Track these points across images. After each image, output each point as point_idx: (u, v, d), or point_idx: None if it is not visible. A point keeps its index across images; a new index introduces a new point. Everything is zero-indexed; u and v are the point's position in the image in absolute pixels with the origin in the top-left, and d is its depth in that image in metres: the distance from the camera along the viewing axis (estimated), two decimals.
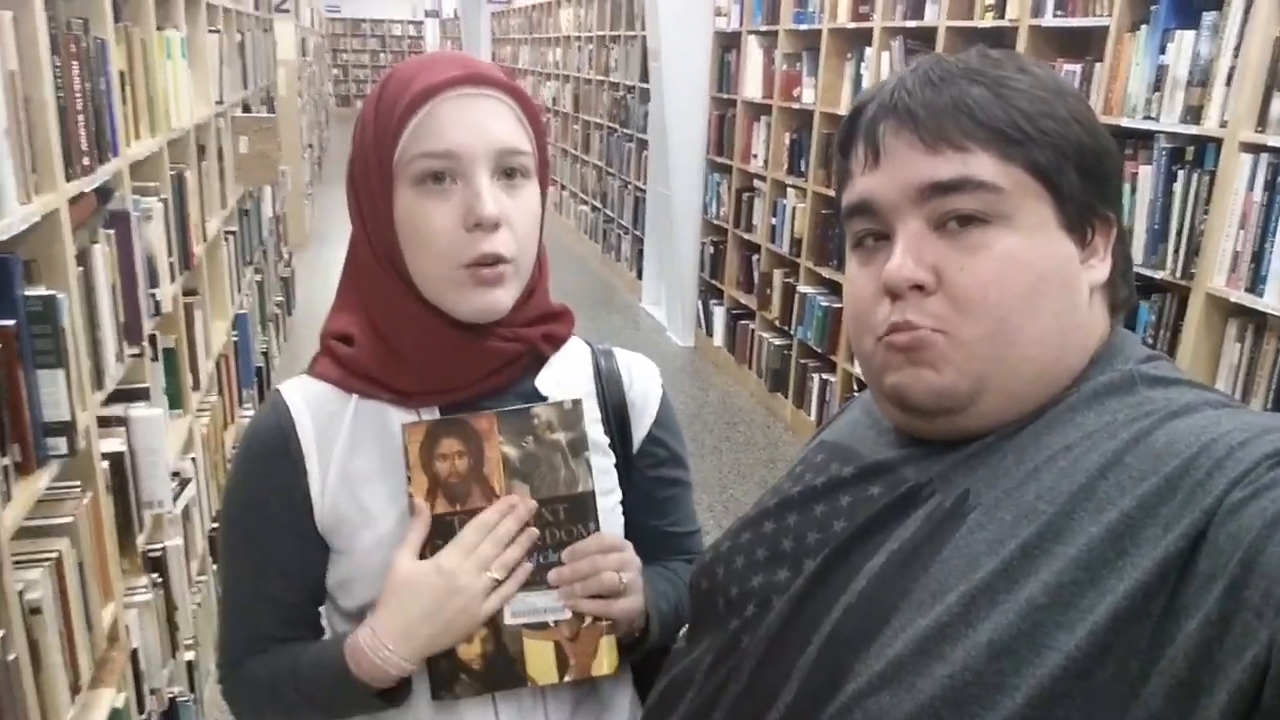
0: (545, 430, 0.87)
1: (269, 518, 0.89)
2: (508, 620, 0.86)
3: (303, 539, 0.89)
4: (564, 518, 0.87)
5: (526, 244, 0.87)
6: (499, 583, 0.85)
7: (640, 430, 0.99)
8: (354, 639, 0.85)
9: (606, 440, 0.95)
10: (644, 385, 1.00)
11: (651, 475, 1.00)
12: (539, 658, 0.86)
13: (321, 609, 0.95)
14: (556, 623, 0.86)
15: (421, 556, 0.86)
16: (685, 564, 1.02)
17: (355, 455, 0.89)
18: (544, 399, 0.92)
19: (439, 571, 0.84)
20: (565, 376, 0.95)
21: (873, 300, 0.67)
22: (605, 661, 0.87)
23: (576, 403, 0.88)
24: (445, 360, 0.89)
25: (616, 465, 0.96)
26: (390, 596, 0.85)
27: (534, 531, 0.86)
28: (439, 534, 0.86)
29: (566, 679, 0.87)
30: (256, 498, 0.90)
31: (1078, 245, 0.66)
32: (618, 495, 0.95)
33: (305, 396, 0.91)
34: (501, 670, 0.86)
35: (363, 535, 0.88)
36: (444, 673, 0.86)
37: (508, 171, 0.85)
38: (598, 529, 0.87)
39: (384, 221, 0.86)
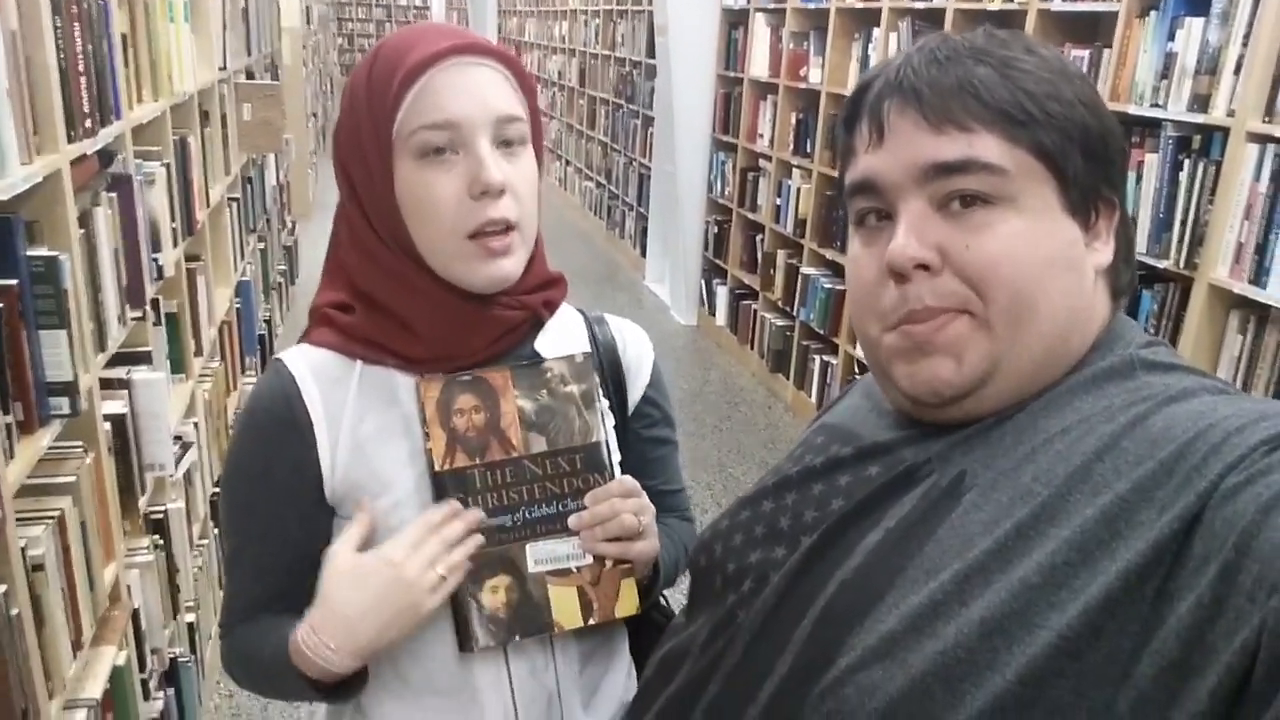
0: (558, 383, 0.90)
1: (275, 486, 0.89)
2: (531, 568, 0.88)
3: (309, 507, 0.89)
4: (580, 466, 0.90)
5: (529, 210, 0.88)
6: (443, 580, 0.83)
7: (636, 392, 1.02)
8: (294, 637, 0.84)
9: (606, 403, 0.97)
10: (637, 349, 1.03)
11: (646, 436, 1.03)
12: (564, 603, 0.89)
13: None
14: (579, 569, 0.89)
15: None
16: (678, 519, 1.06)
17: (364, 419, 0.89)
18: (543, 361, 0.94)
19: (387, 563, 0.83)
20: (562, 340, 0.97)
21: (876, 283, 0.67)
22: (627, 603, 0.91)
23: (586, 355, 0.92)
24: (453, 330, 0.89)
25: (615, 427, 0.98)
26: (331, 589, 0.83)
27: (478, 538, 0.87)
28: (459, 488, 0.87)
29: (591, 622, 0.90)
30: (262, 466, 0.89)
31: (1082, 228, 0.66)
32: (617, 456, 0.97)
33: (309, 363, 0.90)
34: (528, 617, 0.88)
35: (380, 500, 0.88)
36: (470, 624, 0.87)
37: (506, 139, 0.86)
38: (612, 476, 0.90)
39: (383, 195, 0.86)
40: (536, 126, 0.90)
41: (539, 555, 0.89)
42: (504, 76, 0.87)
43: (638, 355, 1.02)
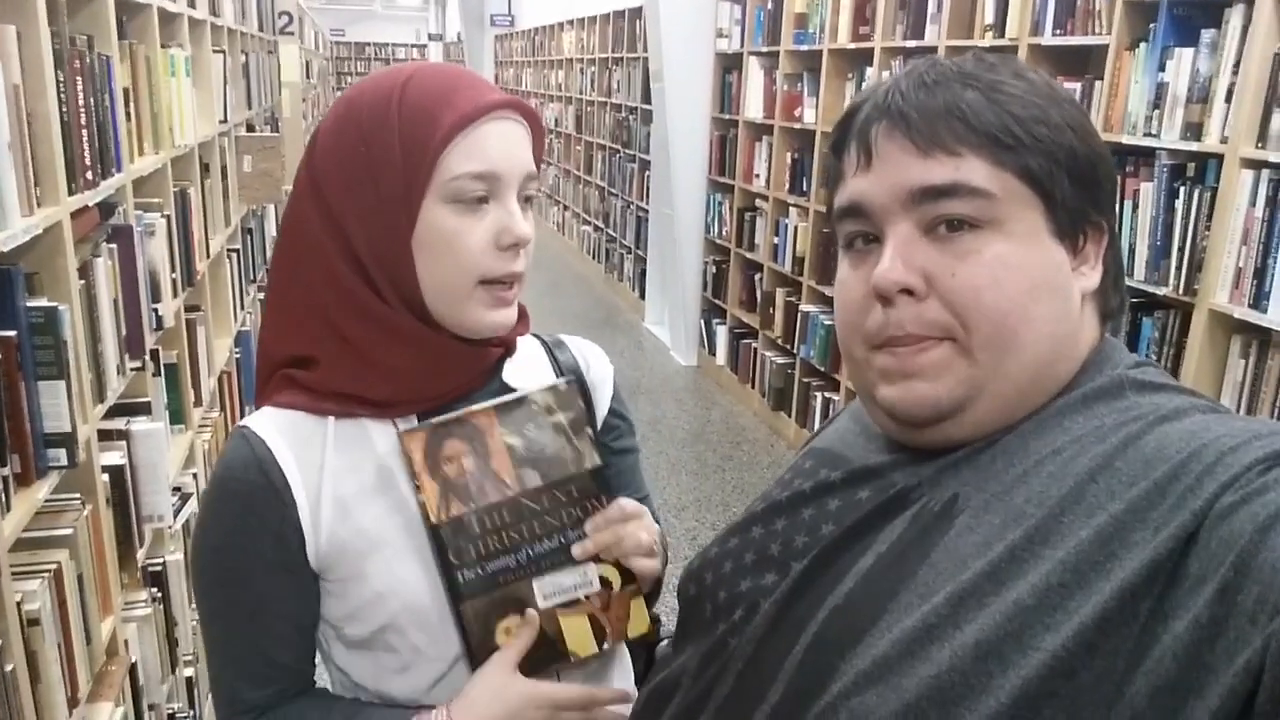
0: (544, 414, 0.88)
1: (259, 558, 0.84)
2: (540, 604, 0.87)
3: (293, 574, 0.85)
4: (577, 495, 0.88)
5: (528, 262, 0.90)
6: None
7: (602, 408, 1.03)
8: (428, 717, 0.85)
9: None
10: (599, 367, 1.04)
11: (616, 448, 1.03)
12: (577, 632, 0.88)
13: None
14: (588, 596, 0.88)
15: (446, 565, 0.84)
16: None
17: (344, 479, 0.85)
18: (513, 390, 0.92)
19: (549, 707, 0.86)
20: (527, 366, 0.97)
21: (863, 304, 0.67)
22: (639, 623, 0.90)
23: (570, 383, 0.90)
24: (436, 370, 0.88)
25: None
26: (485, 701, 0.84)
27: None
28: (459, 535, 0.85)
29: (605, 646, 0.89)
30: (240, 538, 0.84)
31: (1070, 252, 0.66)
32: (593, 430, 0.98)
33: (277, 426, 0.86)
34: (543, 653, 0.87)
35: (371, 559, 0.85)
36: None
37: (526, 196, 0.87)
38: (611, 499, 0.89)
39: (395, 232, 0.83)
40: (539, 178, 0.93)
41: (546, 590, 0.87)
42: (527, 134, 0.88)
43: (600, 372, 1.04)
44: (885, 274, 0.64)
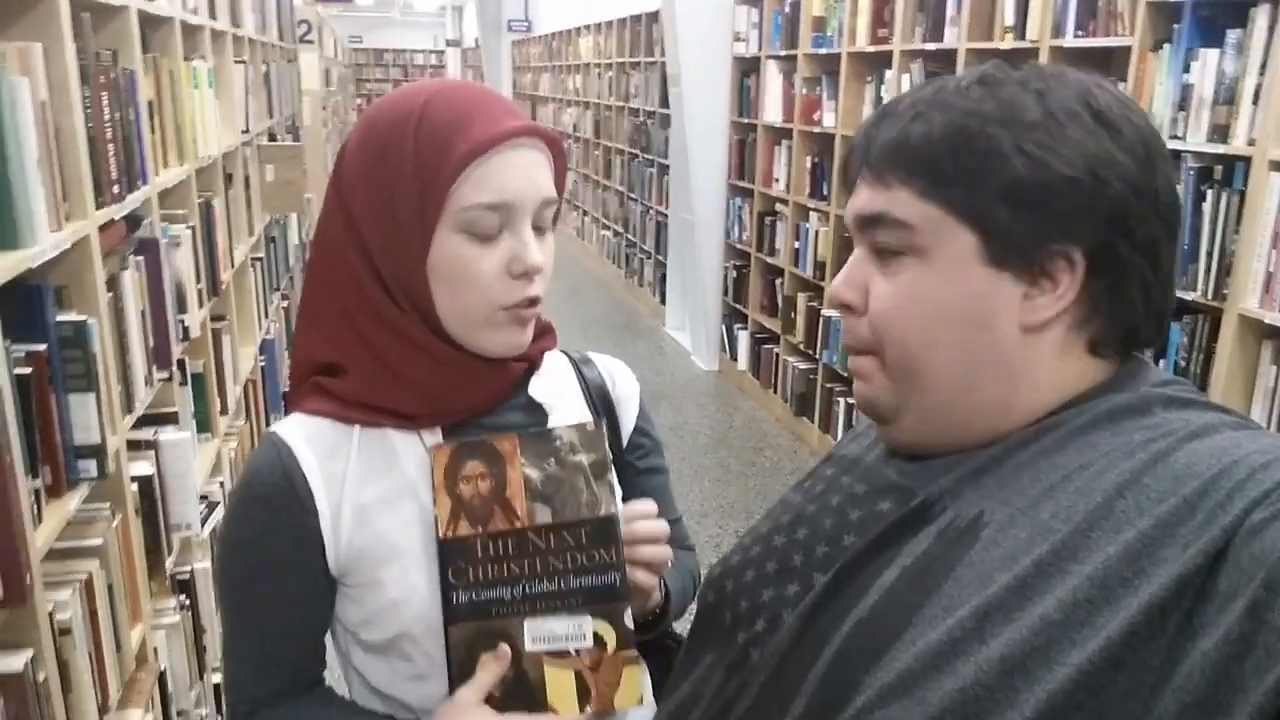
0: (567, 452, 0.86)
1: (277, 560, 0.87)
2: (528, 646, 0.85)
3: (312, 580, 0.88)
4: (586, 541, 0.85)
5: (547, 283, 0.90)
6: None
7: (628, 425, 1.03)
8: None
9: (614, 475, 0.96)
10: (625, 384, 1.04)
11: (643, 467, 1.04)
12: (560, 687, 0.85)
13: (331, 647, 0.94)
14: (578, 651, 0.85)
15: (444, 582, 0.85)
16: (680, 549, 1.06)
17: (365, 486, 0.87)
18: (539, 405, 0.94)
19: None
20: (553, 382, 0.97)
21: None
22: (629, 693, 0.85)
23: (598, 424, 0.88)
24: (457, 385, 0.89)
25: (614, 462, 0.98)
26: None
27: None
28: (460, 556, 0.85)
29: (588, 710, 0.85)
30: (263, 540, 0.87)
31: (1022, 281, 0.64)
32: (620, 492, 0.97)
33: (305, 433, 0.88)
34: (522, 698, 0.85)
35: (388, 566, 0.87)
36: None
37: (541, 224, 0.87)
38: (620, 553, 0.85)
39: (412, 257, 0.84)
40: (560, 201, 0.92)
41: (536, 633, 0.85)
42: (547, 159, 0.87)
43: (626, 389, 1.04)
44: (831, 288, 0.73)
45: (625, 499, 0.98)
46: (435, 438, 0.89)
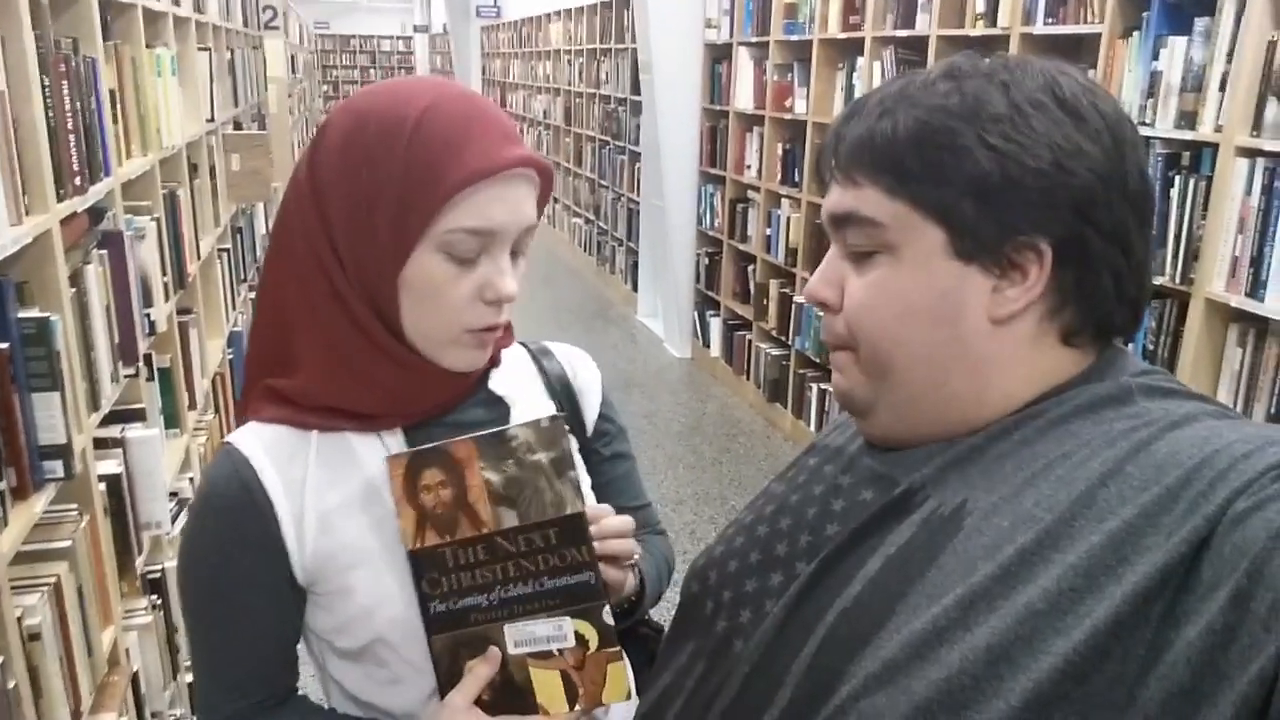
0: (525, 452, 0.83)
1: (242, 572, 0.85)
2: (511, 650, 0.84)
3: (276, 590, 0.86)
4: (556, 542, 0.83)
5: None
6: None
7: (591, 413, 1.03)
8: None
9: (581, 470, 0.96)
10: (586, 372, 1.04)
11: (608, 454, 1.04)
12: (548, 687, 0.84)
13: (304, 655, 0.93)
14: (561, 651, 0.84)
15: (420, 593, 0.84)
16: (651, 534, 1.07)
17: (327, 492, 0.86)
18: (500, 399, 0.94)
19: None
20: (513, 375, 0.97)
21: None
22: (615, 689, 0.85)
23: (554, 419, 0.84)
24: (418, 387, 0.88)
25: (579, 451, 0.98)
26: None
27: None
28: (432, 566, 0.83)
29: (578, 709, 0.84)
30: (226, 553, 0.85)
31: (991, 274, 0.65)
32: (588, 480, 0.97)
33: (261, 442, 0.86)
34: (511, 701, 0.84)
35: (357, 572, 0.85)
36: None
37: (517, 250, 0.86)
38: (591, 551, 0.83)
39: (384, 268, 0.82)
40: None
41: (518, 636, 0.84)
42: (535, 186, 0.86)
43: (587, 378, 1.03)
44: (808, 287, 0.73)
45: (594, 486, 0.99)
46: (395, 438, 0.88)
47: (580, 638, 0.84)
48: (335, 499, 0.86)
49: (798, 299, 4.49)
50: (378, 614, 0.85)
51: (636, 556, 0.92)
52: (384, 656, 0.87)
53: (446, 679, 0.85)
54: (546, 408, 0.97)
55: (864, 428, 0.73)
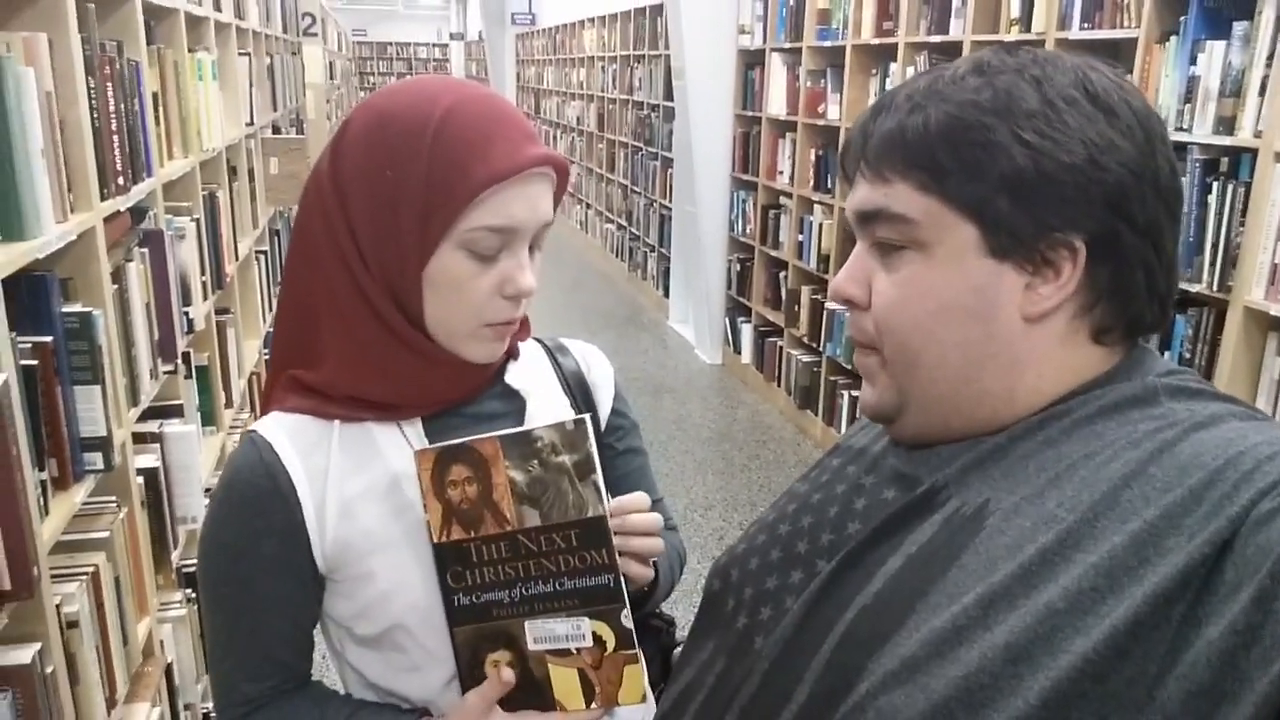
0: (549, 453, 0.84)
1: (264, 559, 0.86)
2: (531, 646, 0.85)
3: (299, 575, 0.87)
4: (576, 543, 0.83)
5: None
6: None
7: (605, 409, 1.04)
8: None
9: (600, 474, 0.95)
10: (600, 368, 1.05)
11: (621, 449, 1.05)
12: (565, 684, 0.86)
13: (323, 642, 0.94)
14: (579, 650, 0.85)
15: (444, 585, 0.85)
16: (665, 530, 1.04)
17: (348, 481, 0.87)
18: (516, 392, 0.95)
19: None
20: (529, 368, 0.99)
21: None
22: (631, 690, 0.85)
23: (579, 422, 0.84)
24: (436, 378, 0.89)
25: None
26: None
27: None
28: (457, 560, 0.85)
29: (594, 706, 0.86)
30: (249, 540, 0.86)
31: (1024, 272, 0.64)
32: (601, 475, 0.96)
33: (285, 430, 0.88)
34: (531, 695, 0.86)
35: (377, 558, 0.87)
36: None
37: (535, 245, 0.88)
38: (611, 554, 0.83)
39: (406, 264, 0.84)
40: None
41: (537, 633, 0.85)
42: (552, 183, 0.88)
43: (601, 374, 1.04)
44: (834, 283, 0.72)
45: (606, 481, 0.98)
46: (415, 428, 0.90)
47: (598, 638, 0.85)
48: (357, 486, 0.87)
49: (830, 305, 4.47)
50: (397, 599, 0.87)
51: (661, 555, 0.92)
52: (403, 643, 0.88)
53: (467, 670, 0.86)
54: (560, 402, 0.99)
55: (894, 431, 0.73)
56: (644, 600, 0.97)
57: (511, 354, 0.96)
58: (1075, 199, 0.62)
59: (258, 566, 0.87)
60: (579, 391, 1.01)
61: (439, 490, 0.84)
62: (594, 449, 0.83)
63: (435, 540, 0.85)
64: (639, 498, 0.89)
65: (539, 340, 1.03)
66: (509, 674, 0.85)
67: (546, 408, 0.96)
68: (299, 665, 0.92)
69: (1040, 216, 0.63)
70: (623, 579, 0.84)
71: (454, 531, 0.85)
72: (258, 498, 0.86)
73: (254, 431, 0.88)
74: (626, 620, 0.84)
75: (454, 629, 0.86)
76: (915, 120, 0.65)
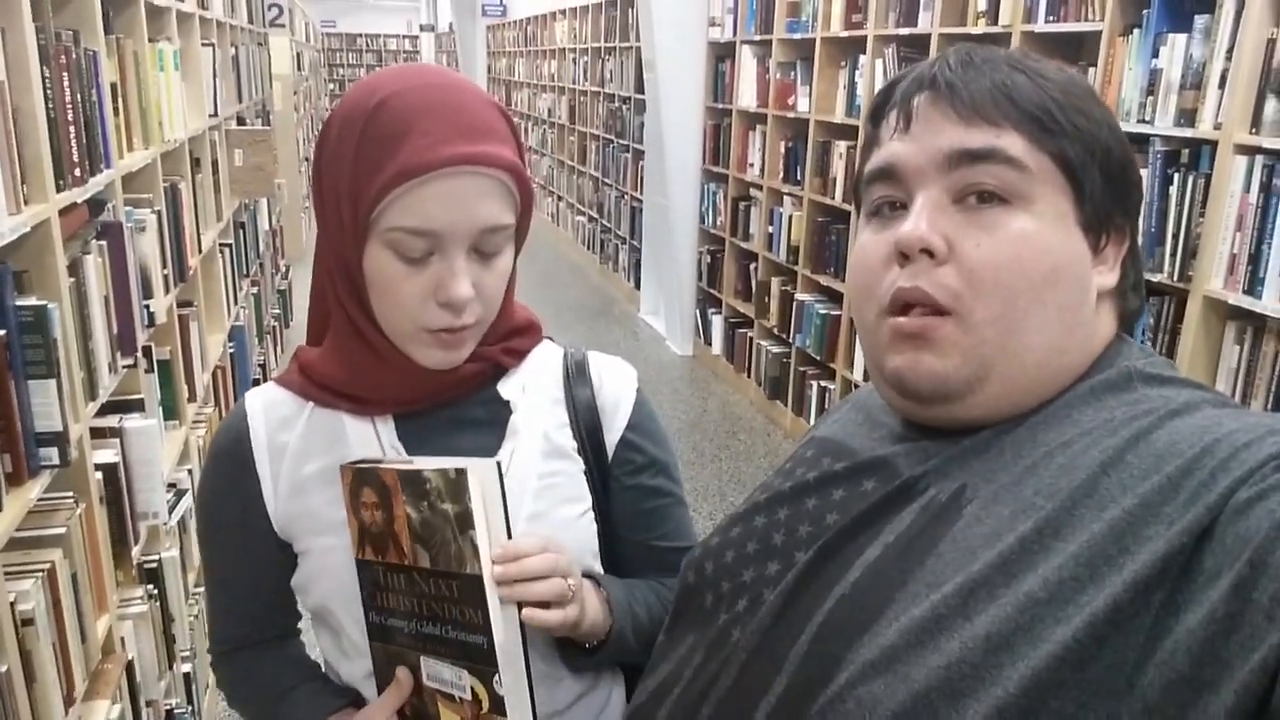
0: (436, 498, 0.79)
1: (231, 519, 0.92)
2: (425, 681, 0.84)
3: (261, 539, 0.91)
4: (457, 595, 0.79)
5: (492, 304, 0.86)
6: None
7: (613, 434, 0.95)
8: None
9: (574, 445, 0.93)
10: (615, 388, 0.96)
11: (630, 484, 0.96)
12: None
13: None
14: (460, 699, 0.81)
15: (362, 595, 0.86)
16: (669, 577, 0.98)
17: (305, 461, 0.90)
18: (505, 403, 0.91)
19: None
20: (531, 382, 0.94)
21: (881, 266, 0.66)
22: None
23: (460, 473, 0.77)
24: (402, 379, 0.88)
25: (589, 473, 0.93)
26: None
27: None
28: (370, 579, 0.85)
29: None
30: (219, 500, 0.93)
31: (1091, 248, 0.65)
32: (586, 503, 0.92)
33: (264, 402, 0.92)
34: None
35: (316, 538, 0.89)
36: None
37: (484, 250, 0.82)
38: (486, 617, 0.77)
39: (350, 257, 0.83)
40: (526, 211, 0.86)
41: (430, 671, 0.83)
42: (499, 184, 0.81)
43: (614, 395, 0.96)
44: (911, 231, 0.63)
45: (614, 516, 0.95)
46: (387, 425, 0.90)
47: (475, 695, 0.80)
48: (311, 468, 0.90)
49: (799, 297, 4.49)
50: (324, 581, 0.89)
51: (572, 587, 0.81)
52: (334, 626, 0.91)
53: (381, 681, 0.87)
54: (555, 419, 0.93)
55: (958, 411, 0.65)
56: (599, 647, 0.88)
57: (500, 366, 0.92)
58: (1132, 188, 0.67)
59: (227, 523, 0.92)
60: (581, 409, 0.94)
61: (354, 508, 0.85)
62: (477, 503, 0.76)
63: (355, 555, 0.86)
64: (530, 541, 0.80)
65: (564, 349, 0.98)
66: (405, 675, 0.84)
67: (533, 422, 0.91)
68: (274, 619, 0.97)
69: (1118, 197, 0.65)
70: (496, 643, 0.77)
71: (367, 551, 0.85)
72: (227, 461, 0.91)
73: (245, 397, 0.94)
74: (498, 686, 0.78)
75: (372, 642, 0.87)
76: (1022, 79, 0.64)
